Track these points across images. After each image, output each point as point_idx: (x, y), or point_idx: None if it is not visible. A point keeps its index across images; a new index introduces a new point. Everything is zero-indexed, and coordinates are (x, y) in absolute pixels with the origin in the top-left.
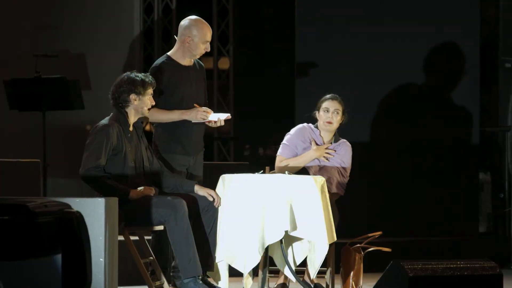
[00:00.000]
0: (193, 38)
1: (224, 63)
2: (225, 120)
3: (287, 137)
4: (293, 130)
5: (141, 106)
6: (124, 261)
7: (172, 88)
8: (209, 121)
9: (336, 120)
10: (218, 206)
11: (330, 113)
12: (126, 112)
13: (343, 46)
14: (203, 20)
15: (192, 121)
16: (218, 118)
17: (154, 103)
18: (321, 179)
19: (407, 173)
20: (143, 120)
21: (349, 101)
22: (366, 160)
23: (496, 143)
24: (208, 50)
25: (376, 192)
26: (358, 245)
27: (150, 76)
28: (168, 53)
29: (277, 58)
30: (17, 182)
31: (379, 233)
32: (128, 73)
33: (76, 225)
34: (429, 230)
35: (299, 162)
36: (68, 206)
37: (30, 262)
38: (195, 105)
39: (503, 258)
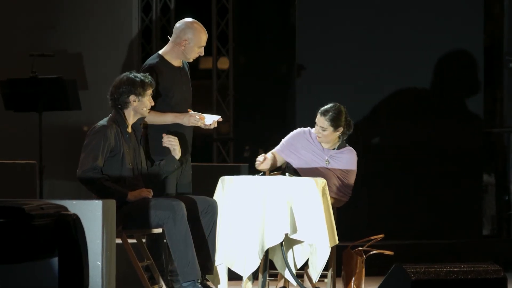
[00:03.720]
0: (189, 42)
1: (224, 63)
2: (222, 121)
3: (286, 137)
4: (292, 132)
5: (141, 107)
6: (122, 265)
7: (166, 90)
8: (204, 125)
9: (325, 135)
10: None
11: (317, 128)
12: (125, 113)
13: (344, 45)
14: (200, 24)
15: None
16: (213, 120)
17: (153, 104)
18: (322, 181)
19: (409, 175)
20: (142, 122)
21: (350, 101)
22: (368, 162)
23: (501, 145)
24: (202, 54)
25: (378, 195)
26: (360, 248)
27: (150, 77)
28: (160, 53)
29: (277, 58)
30: (13, 184)
31: (381, 236)
32: (127, 73)
33: (73, 227)
34: (432, 233)
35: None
36: (65, 209)
37: (26, 265)
38: (189, 110)
39: (507, 261)
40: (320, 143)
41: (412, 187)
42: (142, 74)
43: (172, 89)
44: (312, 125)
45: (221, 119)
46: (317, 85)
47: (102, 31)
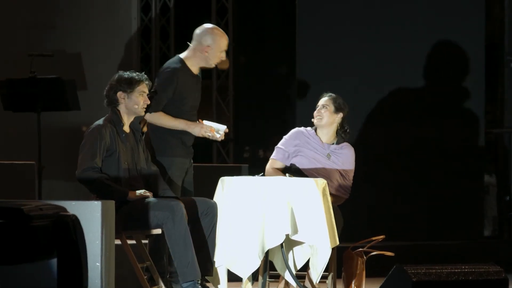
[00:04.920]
0: (212, 48)
1: (224, 63)
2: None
3: (282, 140)
4: (288, 134)
5: (131, 105)
6: (121, 266)
7: (181, 96)
8: (213, 137)
9: (325, 115)
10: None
11: (319, 108)
12: (119, 111)
13: (345, 46)
14: (220, 29)
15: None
16: (221, 133)
17: (148, 102)
18: (322, 182)
19: (410, 175)
20: (143, 124)
21: (351, 101)
22: (369, 163)
23: (502, 145)
24: (224, 58)
25: (379, 195)
26: (361, 249)
27: (141, 74)
28: (182, 57)
29: (277, 58)
30: (11, 184)
31: (382, 237)
32: (121, 71)
33: (72, 228)
34: (433, 234)
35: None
36: (64, 209)
37: (25, 266)
38: (200, 120)
39: (508, 262)
40: (319, 137)
41: (413, 187)
42: (135, 72)
43: (187, 96)
44: (313, 124)
45: (227, 130)
46: (317, 85)
47: (101, 31)
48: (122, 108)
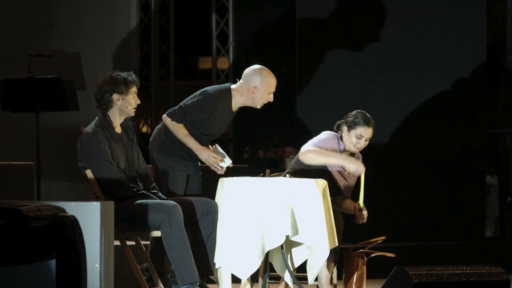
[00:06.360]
0: (259, 89)
1: (223, 63)
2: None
3: (315, 141)
4: (322, 135)
5: (126, 106)
6: (120, 267)
7: (210, 125)
8: (216, 168)
9: (364, 146)
10: None
11: (362, 140)
12: (110, 115)
13: (345, 46)
14: (268, 69)
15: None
16: (225, 166)
17: (139, 102)
18: (322, 182)
19: (412, 176)
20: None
21: (352, 102)
22: (369, 163)
23: (503, 146)
24: (271, 100)
25: (380, 196)
26: (361, 250)
27: (134, 75)
28: (232, 89)
29: (277, 59)
30: (10, 185)
31: (382, 238)
32: (111, 72)
33: (70, 229)
34: (434, 235)
35: (330, 159)
36: (63, 210)
37: (23, 268)
38: (209, 146)
39: (510, 263)
40: (346, 151)
41: (414, 188)
42: (125, 72)
43: (212, 126)
44: (313, 125)
45: (231, 165)
46: (317, 85)
47: (100, 31)
48: (113, 110)
